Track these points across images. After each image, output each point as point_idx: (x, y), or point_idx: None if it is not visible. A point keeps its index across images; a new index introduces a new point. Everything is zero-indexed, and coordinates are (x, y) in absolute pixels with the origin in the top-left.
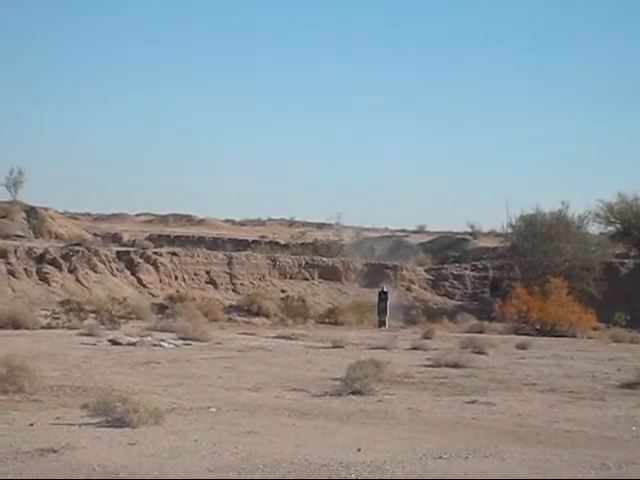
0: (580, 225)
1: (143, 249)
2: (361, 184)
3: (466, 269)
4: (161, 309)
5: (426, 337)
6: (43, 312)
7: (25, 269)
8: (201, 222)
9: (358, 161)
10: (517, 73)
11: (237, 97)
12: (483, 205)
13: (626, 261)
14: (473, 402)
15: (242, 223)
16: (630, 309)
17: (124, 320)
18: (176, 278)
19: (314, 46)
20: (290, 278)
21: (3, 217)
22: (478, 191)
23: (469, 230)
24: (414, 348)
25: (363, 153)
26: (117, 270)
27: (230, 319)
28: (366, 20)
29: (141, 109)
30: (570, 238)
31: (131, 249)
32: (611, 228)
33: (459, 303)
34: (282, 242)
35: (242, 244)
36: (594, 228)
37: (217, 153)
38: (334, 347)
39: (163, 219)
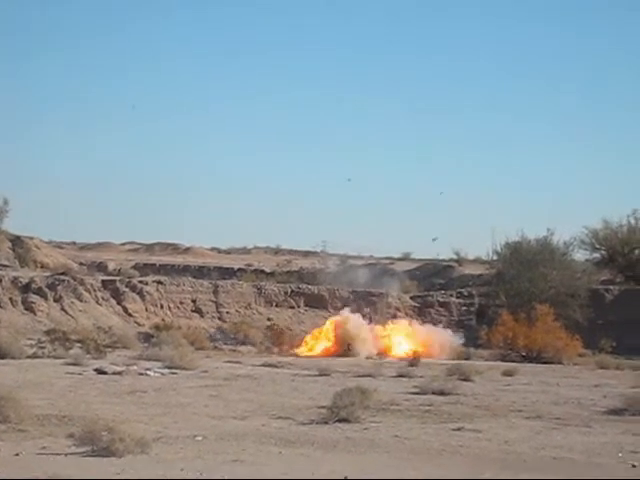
0: (565, 252)
1: (129, 278)
2: (346, 212)
3: (452, 296)
4: (147, 338)
5: (412, 364)
6: (29, 341)
7: (10, 298)
8: (187, 250)
9: (343, 188)
10: (500, 100)
11: (221, 127)
12: (468, 232)
13: (611, 287)
14: (459, 429)
15: (228, 251)
16: (616, 336)
17: (110, 349)
18: (162, 307)
19: (300, 72)
20: (276, 306)
21: None
22: (463, 218)
23: (454, 257)
24: (400, 375)
25: (346, 181)
26: (103, 299)
27: (216, 347)
28: (347, 55)
29: (126, 138)
30: (555, 265)
31: (117, 278)
32: (596, 255)
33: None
34: (268, 270)
35: (228, 272)
36: (579, 255)
37: (202, 182)
38: (320, 375)
39: (149, 248)
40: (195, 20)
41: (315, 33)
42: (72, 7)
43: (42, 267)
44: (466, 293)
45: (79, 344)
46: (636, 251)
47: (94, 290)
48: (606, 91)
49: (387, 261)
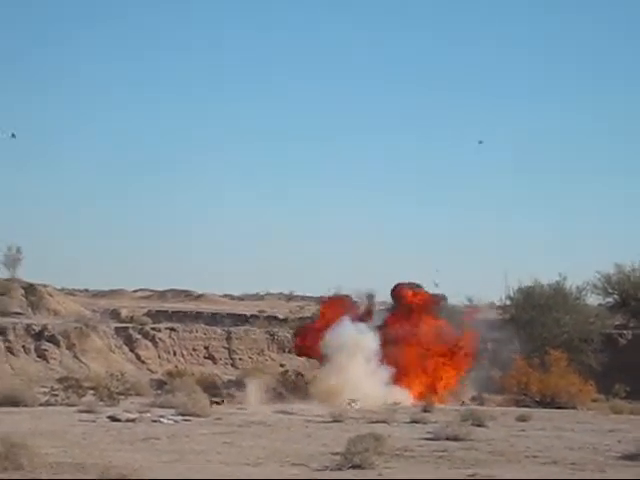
0: (578, 296)
1: (141, 325)
2: (359, 256)
3: None
4: (160, 385)
5: (426, 410)
6: (42, 389)
7: (23, 346)
8: (199, 297)
9: (355, 233)
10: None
11: (230, 171)
12: (481, 277)
13: (625, 332)
14: (473, 475)
15: (241, 298)
16: (630, 380)
17: (123, 396)
18: (175, 354)
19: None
20: (289, 352)
21: (2, 294)
22: (476, 263)
23: (467, 302)
24: (414, 421)
25: (360, 224)
26: (115, 346)
27: (229, 394)
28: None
29: (137, 187)
30: (568, 309)
31: (129, 325)
32: (609, 299)
33: None
34: (281, 316)
35: (241, 319)
36: (592, 299)
37: (214, 228)
38: (334, 421)
39: (161, 295)
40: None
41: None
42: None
43: (55, 314)
44: (479, 338)
45: (92, 391)
46: None
47: (107, 337)
48: (614, 130)
49: None
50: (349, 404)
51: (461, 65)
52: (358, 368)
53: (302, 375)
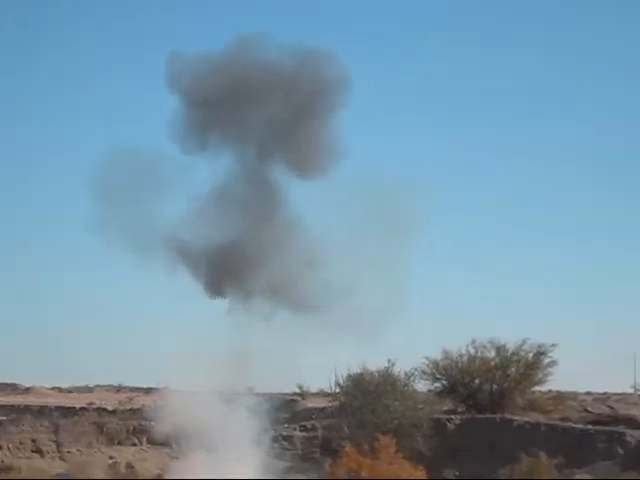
0: (407, 382)
1: None
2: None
3: (295, 429)
4: None
5: None
6: None
7: None
8: (27, 390)
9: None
10: None
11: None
12: (310, 365)
13: (453, 417)
14: None
15: (69, 390)
16: (459, 464)
17: None
18: (1, 447)
19: None
20: (118, 444)
21: None
22: (306, 351)
23: (298, 391)
24: None
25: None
26: None
27: None
28: None
29: None
30: (397, 396)
31: None
32: (437, 384)
33: (289, 464)
34: (110, 408)
35: (70, 412)
36: (421, 385)
37: (41, 320)
38: None
39: None
40: None
41: None
42: None
43: None
44: (309, 426)
45: None
46: (476, 380)
47: None
48: None
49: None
50: None
51: None
52: None
53: (133, 467)
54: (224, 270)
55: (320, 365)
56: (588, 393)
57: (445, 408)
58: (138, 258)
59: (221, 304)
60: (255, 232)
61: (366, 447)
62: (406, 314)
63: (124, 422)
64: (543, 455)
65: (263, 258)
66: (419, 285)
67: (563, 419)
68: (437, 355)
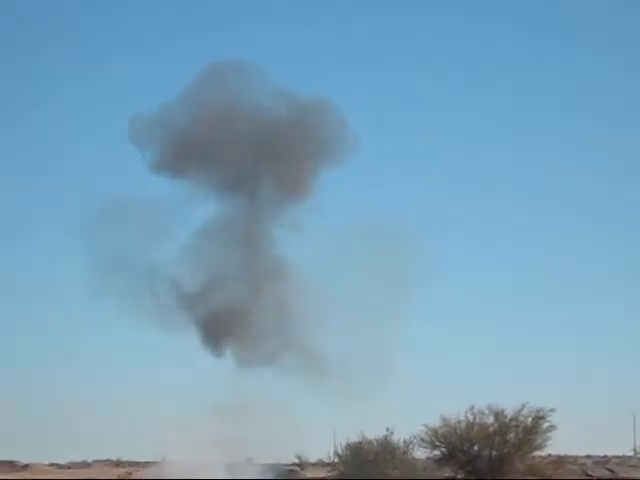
0: (406, 450)
1: None
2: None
3: None
4: None
5: None
6: None
7: None
8: (25, 467)
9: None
10: None
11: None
12: (309, 435)
13: None
14: None
15: (68, 466)
16: None
17: None
18: None
19: None
20: None
21: None
22: (305, 421)
23: (297, 461)
24: None
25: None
26: None
27: None
28: None
29: None
30: (396, 464)
31: None
32: (437, 452)
33: None
34: None
35: None
36: (420, 452)
37: (36, 397)
38: None
39: None
40: None
41: None
42: None
43: None
44: None
45: None
46: (475, 447)
47: None
48: None
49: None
50: None
51: None
52: None
53: None
54: (223, 330)
55: (319, 433)
56: (588, 456)
57: (445, 475)
58: (134, 319)
59: (220, 365)
60: (255, 296)
61: None
62: (402, 378)
63: None
64: None
65: (263, 322)
66: (415, 348)
67: None
68: (434, 421)
